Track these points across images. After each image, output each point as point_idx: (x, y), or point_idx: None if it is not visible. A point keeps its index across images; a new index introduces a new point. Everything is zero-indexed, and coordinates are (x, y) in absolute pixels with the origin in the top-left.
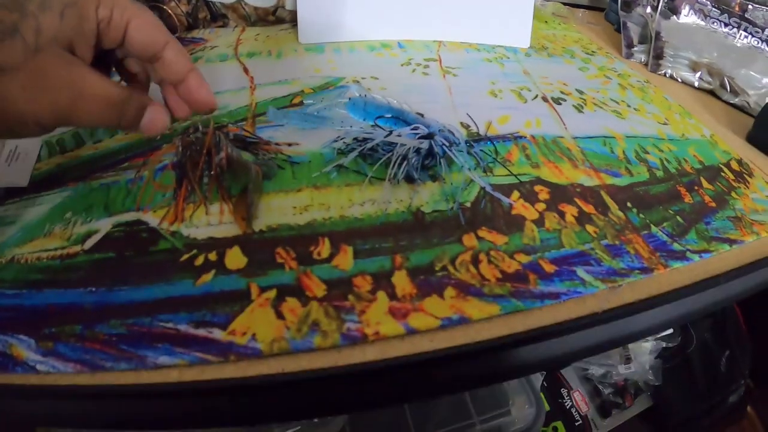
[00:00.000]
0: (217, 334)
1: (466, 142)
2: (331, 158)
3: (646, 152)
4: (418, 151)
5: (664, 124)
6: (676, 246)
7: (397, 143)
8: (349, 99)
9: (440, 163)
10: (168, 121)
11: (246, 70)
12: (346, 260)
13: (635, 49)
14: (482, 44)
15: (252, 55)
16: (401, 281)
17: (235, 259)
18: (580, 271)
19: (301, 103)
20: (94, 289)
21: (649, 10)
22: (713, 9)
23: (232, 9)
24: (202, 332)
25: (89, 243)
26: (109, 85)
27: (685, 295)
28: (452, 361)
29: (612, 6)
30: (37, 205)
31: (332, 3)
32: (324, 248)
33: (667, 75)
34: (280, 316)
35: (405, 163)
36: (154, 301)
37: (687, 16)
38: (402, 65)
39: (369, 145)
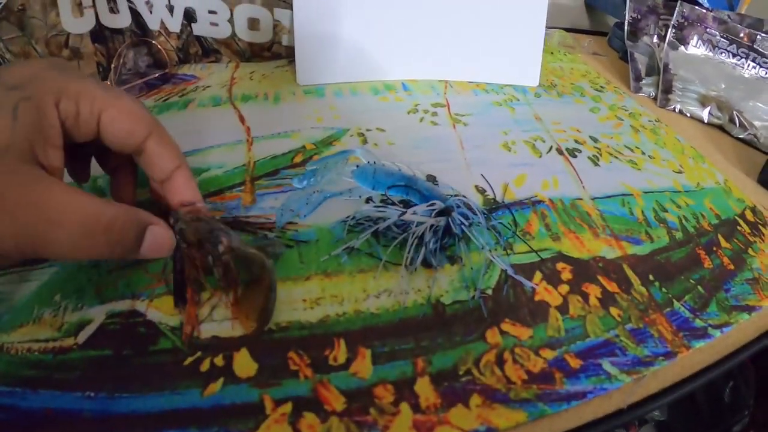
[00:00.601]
0: None
1: (484, 214)
2: (340, 236)
3: (665, 210)
4: (435, 230)
5: (679, 172)
6: (698, 323)
7: (413, 221)
8: (357, 167)
9: (458, 243)
10: (174, 240)
11: (242, 119)
12: (364, 366)
13: (643, 82)
14: (490, 84)
15: (247, 98)
16: (424, 390)
17: (245, 364)
18: (606, 364)
19: (302, 164)
20: (92, 394)
21: (655, 39)
22: (722, 39)
23: (225, 44)
24: None
25: (83, 336)
26: (89, 204)
27: (706, 374)
28: None
29: (616, 33)
30: (24, 281)
31: (332, 43)
32: (340, 352)
33: (677, 110)
34: None
35: (422, 245)
36: (160, 413)
37: (696, 47)
38: (409, 112)
39: (383, 225)
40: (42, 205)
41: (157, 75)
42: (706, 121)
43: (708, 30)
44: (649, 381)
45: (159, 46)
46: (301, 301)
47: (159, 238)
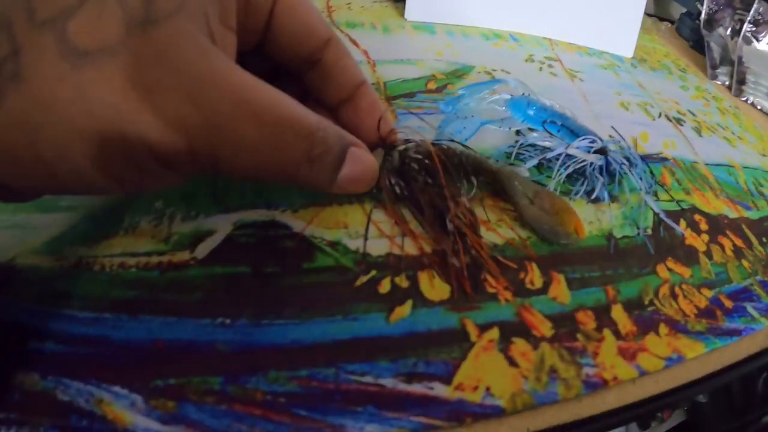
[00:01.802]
0: (441, 390)
1: (643, 160)
2: (503, 163)
3: (761, 185)
4: (598, 168)
5: (764, 155)
6: None
7: (574, 156)
8: (511, 97)
9: (618, 182)
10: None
11: (354, 43)
12: (562, 291)
13: (718, 71)
14: (591, 49)
15: (353, 26)
16: (620, 317)
17: (436, 285)
18: (749, 308)
19: (437, 91)
20: (228, 321)
21: (729, 32)
22: None
23: None
24: (418, 388)
25: (202, 249)
26: (287, 100)
27: None
28: (677, 403)
29: (686, 21)
30: None
31: None
32: (535, 276)
33: (749, 102)
34: (512, 362)
35: (586, 180)
36: (333, 342)
37: (767, 44)
38: (525, 61)
39: (550, 156)
40: (231, 86)
41: None
42: None
43: None
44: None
45: None
46: (481, 223)
47: (365, 162)
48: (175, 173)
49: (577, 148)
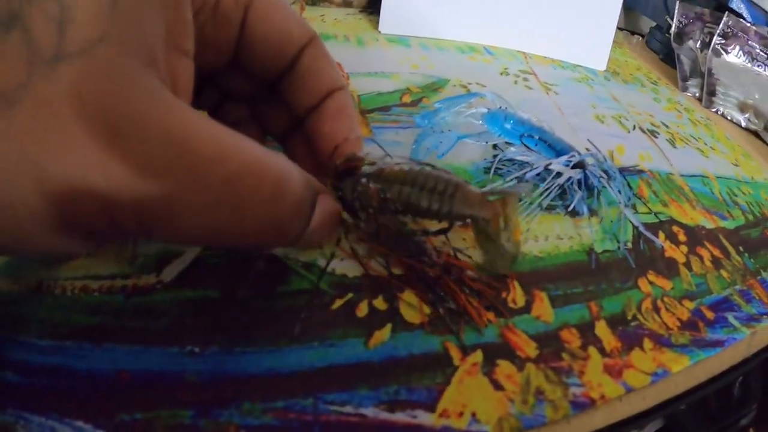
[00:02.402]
0: (425, 418)
1: (620, 173)
2: (479, 178)
3: (735, 195)
4: (577, 182)
5: (736, 165)
6: None
7: (552, 171)
8: (488, 110)
9: (597, 196)
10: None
11: None
12: (546, 310)
13: (689, 83)
14: (564, 62)
15: (326, 38)
16: (605, 334)
17: (415, 308)
18: (731, 318)
19: (413, 105)
20: (197, 349)
21: (698, 45)
22: (761, 52)
23: None
24: (401, 417)
25: (169, 272)
26: (257, 149)
27: None
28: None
29: (655, 35)
30: None
31: None
32: (517, 294)
33: (719, 113)
34: (497, 385)
35: (564, 195)
36: (311, 371)
37: (736, 57)
38: (500, 74)
39: (529, 175)
40: (168, 134)
41: None
42: (743, 126)
43: (749, 42)
44: (759, 336)
45: None
46: (460, 240)
47: (330, 209)
48: (82, 242)
49: (559, 163)
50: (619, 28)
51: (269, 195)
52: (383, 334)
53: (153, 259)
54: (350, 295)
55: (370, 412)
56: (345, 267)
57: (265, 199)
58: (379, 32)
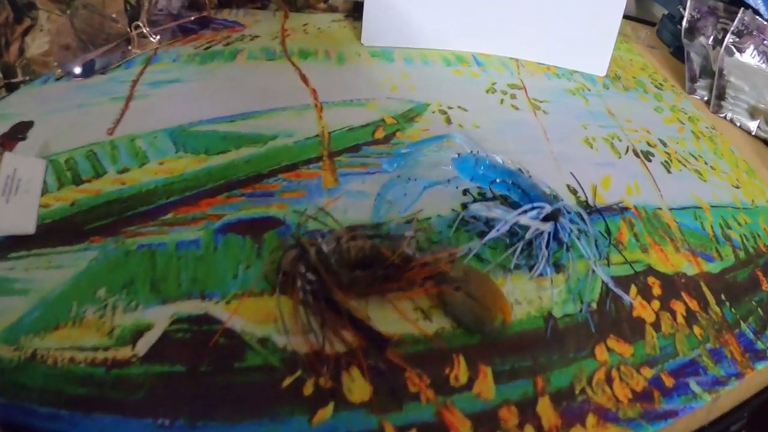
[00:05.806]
0: None
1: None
2: (445, 234)
3: (729, 227)
4: (545, 236)
5: (737, 187)
6: (759, 345)
7: (522, 225)
8: (458, 155)
9: (566, 250)
10: None
11: (304, 79)
12: (487, 386)
13: (697, 84)
14: (560, 69)
15: (306, 55)
16: (546, 411)
17: (357, 386)
18: (692, 384)
19: (385, 141)
20: (167, 422)
21: (711, 41)
22: None
23: None
24: None
25: (143, 345)
26: None
27: (762, 394)
28: None
29: (666, 25)
30: (53, 267)
31: (403, 3)
32: (461, 370)
33: (728, 118)
34: None
35: (532, 252)
36: None
37: (750, 56)
38: (487, 91)
39: (495, 235)
40: None
41: (193, 18)
42: (753, 134)
43: (765, 42)
44: (722, 400)
45: None
46: (412, 311)
47: None
48: None
49: (526, 216)
50: (628, 17)
51: None
52: (326, 412)
53: (129, 331)
54: (299, 372)
55: None
56: (296, 343)
57: None
58: (362, 45)
